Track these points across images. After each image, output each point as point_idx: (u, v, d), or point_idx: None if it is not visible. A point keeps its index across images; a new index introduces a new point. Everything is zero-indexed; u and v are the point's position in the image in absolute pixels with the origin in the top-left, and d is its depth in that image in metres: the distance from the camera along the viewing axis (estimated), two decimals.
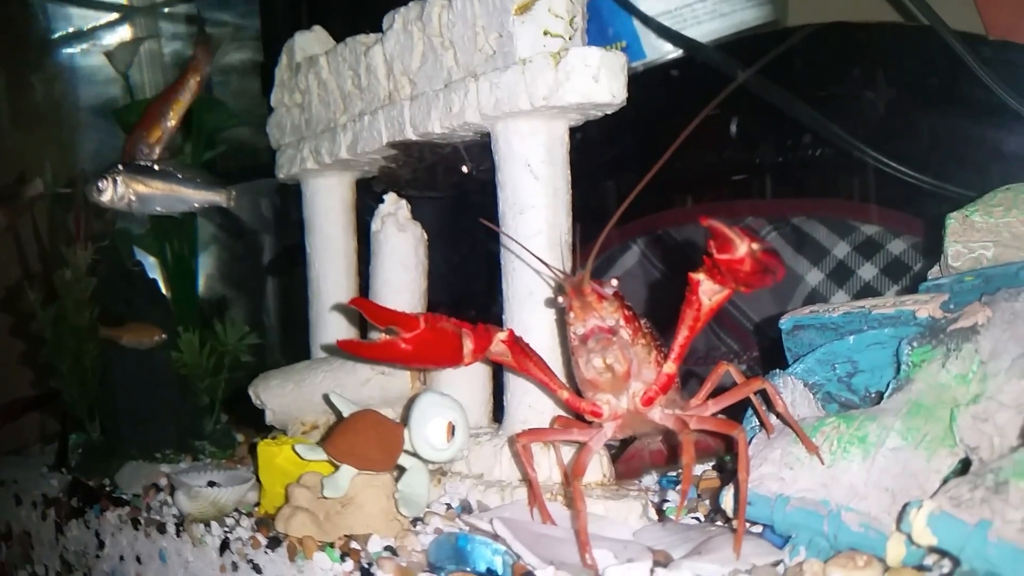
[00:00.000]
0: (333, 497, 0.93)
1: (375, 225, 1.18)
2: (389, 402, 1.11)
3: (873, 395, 0.89)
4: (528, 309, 1.00)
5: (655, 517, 0.94)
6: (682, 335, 0.81)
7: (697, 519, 0.95)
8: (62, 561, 1.35)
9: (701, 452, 0.99)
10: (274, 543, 0.95)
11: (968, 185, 1.14)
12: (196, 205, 1.32)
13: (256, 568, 0.97)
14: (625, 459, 1.02)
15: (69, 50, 2.19)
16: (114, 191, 1.27)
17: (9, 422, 1.95)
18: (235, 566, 0.99)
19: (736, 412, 0.88)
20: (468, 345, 0.85)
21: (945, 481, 0.70)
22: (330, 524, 0.94)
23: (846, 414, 0.78)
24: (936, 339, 0.78)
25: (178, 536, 1.08)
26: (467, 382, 1.10)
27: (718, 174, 1.50)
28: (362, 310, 0.86)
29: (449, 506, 1.01)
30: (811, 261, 1.41)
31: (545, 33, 0.94)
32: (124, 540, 1.19)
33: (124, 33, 2.19)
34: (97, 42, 2.18)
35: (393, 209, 1.18)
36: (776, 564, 0.75)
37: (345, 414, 1.00)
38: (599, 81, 0.92)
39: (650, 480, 1.06)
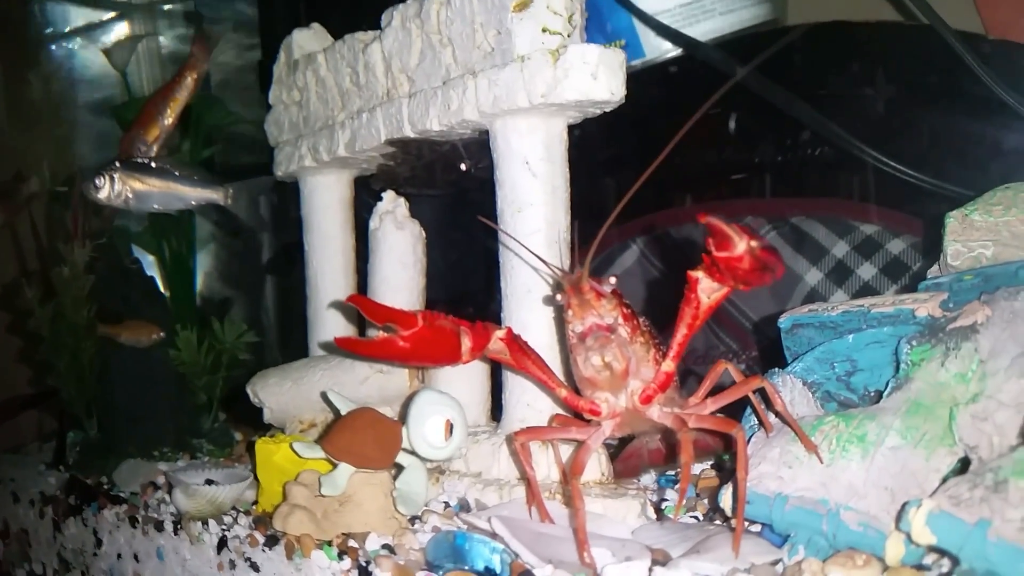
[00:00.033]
0: (331, 495, 0.93)
1: (373, 223, 1.18)
2: (387, 400, 1.11)
3: (872, 394, 0.89)
4: (526, 307, 1.00)
5: (653, 516, 0.94)
6: (681, 333, 0.81)
7: (696, 518, 0.95)
8: (60, 559, 1.35)
9: (700, 451, 0.99)
10: (272, 541, 0.95)
11: (967, 184, 1.13)
12: (193, 203, 1.32)
13: (254, 566, 0.96)
14: (624, 458, 1.02)
15: (67, 47, 2.19)
16: (111, 188, 1.27)
17: (7, 420, 1.95)
18: (232, 564, 0.99)
19: (735, 411, 0.88)
20: (466, 343, 0.85)
21: (944, 480, 0.70)
22: (328, 522, 0.94)
23: (845, 413, 0.78)
24: (935, 338, 0.78)
25: (176, 534, 1.08)
26: (465, 380, 1.10)
27: (717, 173, 1.50)
28: (360, 307, 0.85)
29: (447, 504, 1.01)
30: (810, 260, 1.41)
31: (544, 30, 0.93)
32: (122, 538, 1.19)
33: (122, 30, 2.18)
34: (95, 39, 2.18)
35: (391, 207, 1.18)
36: (775, 563, 0.75)
37: (343, 412, 1.00)
38: (598, 78, 0.92)
39: (649, 479, 1.06)
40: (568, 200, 1.00)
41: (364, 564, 0.84)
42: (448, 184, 1.20)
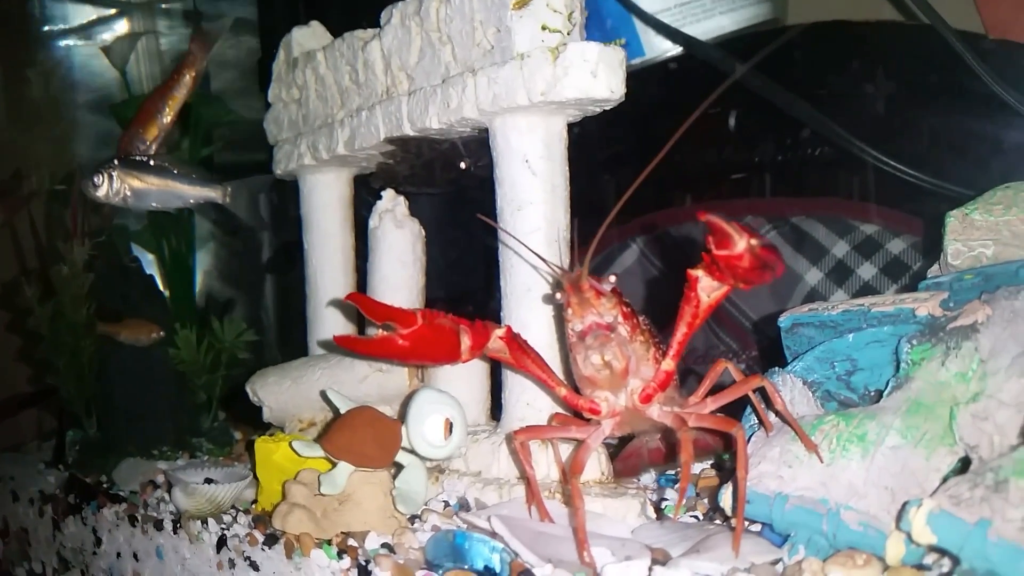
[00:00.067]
0: (330, 494, 0.93)
1: (373, 221, 1.18)
2: (387, 399, 1.11)
3: (872, 393, 0.89)
4: (526, 306, 0.99)
5: (653, 515, 0.94)
6: (681, 332, 0.80)
7: (696, 517, 0.94)
8: (59, 558, 1.35)
9: (700, 450, 0.98)
10: (271, 540, 0.95)
11: (968, 184, 1.13)
12: (191, 201, 1.31)
13: (253, 565, 0.96)
14: (623, 457, 1.02)
15: (66, 45, 2.19)
16: (109, 186, 1.27)
17: (6, 418, 1.95)
18: (232, 563, 0.99)
19: (735, 410, 0.87)
20: (466, 341, 0.85)
21: (945, 480, 0.70)
22: (327, 521, 0.94)
23: (845, 412, 0.78)
24: (936, 337, 0.78)
25: (175, 533, 1.08)
26: (465, 379, 1.10)
27: (717, 172, 1.50)
28: (359, 306, 0.85)
29: (447, 503, 1.01)
30: (810, 260, 1.40)
31: (543, 28, 0.93)
32: (121, 537, 1.19)
33: (122, 28, 2.18)
34: (95, 37, 2.17)
35: (391, 205, 1.18)
36: (775, 563, 0.75)
37: (342, 411, 1.00)
38: (597, 76, 0.92)
39: (648, 478, 1.06)
40: (568, 198, 1.00)
41: (363, 563, 0.84)
42: (447, 182, 1.20)
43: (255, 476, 1.08)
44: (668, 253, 1.52)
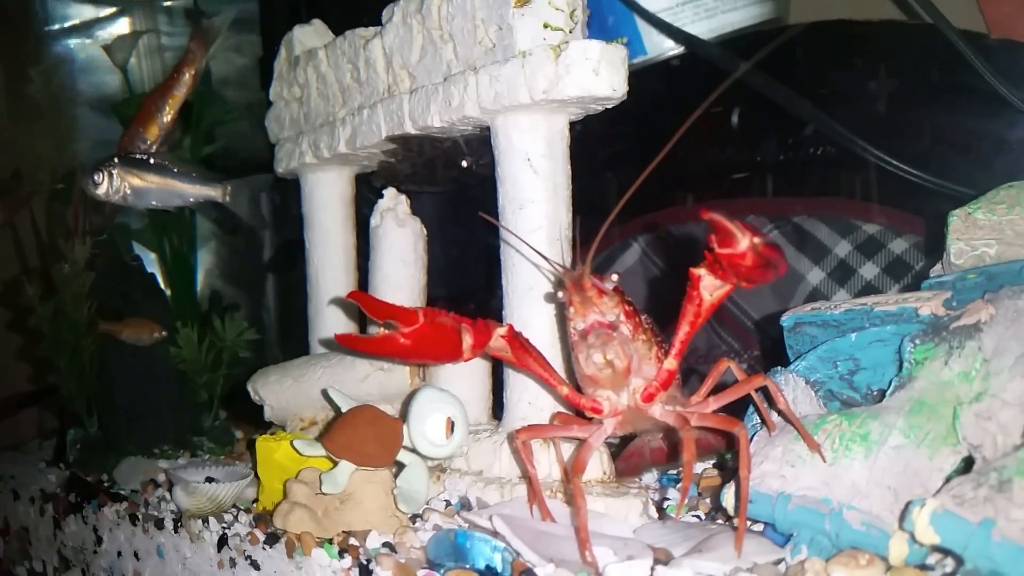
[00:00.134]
0: (331, 493, 0.93)
1: (374, 220, 1.18)
2: (388, 398, 1.11)
3: (875, 393, 0.89)
4: (528, 304, 0.99)
5: (655, 515, 0.94)
6: (683, 331, 0.80)
7: (698, 517, 0.94)
8: (60, 557, 1.35)
9: (702, 449, 0.98)
10: (272, 539, 0.94)
11: (971, 183, 1.13)
12: (191, 199, 1.31)
13: (254, 564, 0.96)
14: (625, 456, 1.02)
15: (68, 43, 2.19)
16: (109, 185, 1.27)
17: (7, 417, 1.95)
18: (233, 562, 0.99)
19: (737, 409, 0.87)
20: (467, 340, 0.84)
21: (948, 479, 0.69)
22: (328, 520, 0.93)
23: (848, 412, 0.78)
24: (939, 336, 0.78)
25: (176, 532, 1.08)
26: (467, 378, 1.10)
27: (719, 172, 1.50)
28: (360, 304, 0.85)
29: (448, 503, 1.01)
30: (812, 260, 1.40)
31: (545, 26, 0.93)
32: (122, 536, 1.19)
33: (123, 26, 2.18)
34: (96, 36, 2.17)
35: (392, 204, 1.18)
36: (778, 562, 0.74)
37: (344, 409, 1.00)
38: (599, 74, 0.91)
39: (650, 478, 1.06)
40: (569, 197, 1.00)
41: (365, 562, 0.84)
42: (449, 181, 1.19)
43: (256, 475, 1.08)
44: (670, 252, 1.52)
